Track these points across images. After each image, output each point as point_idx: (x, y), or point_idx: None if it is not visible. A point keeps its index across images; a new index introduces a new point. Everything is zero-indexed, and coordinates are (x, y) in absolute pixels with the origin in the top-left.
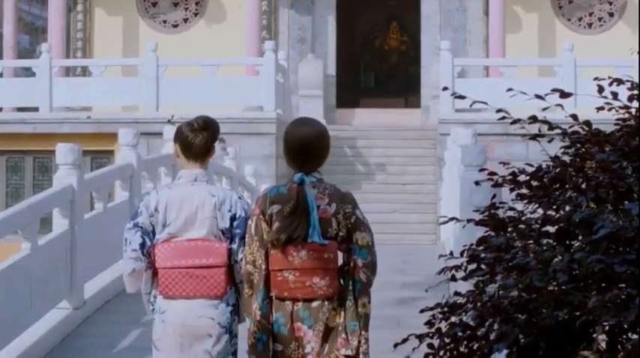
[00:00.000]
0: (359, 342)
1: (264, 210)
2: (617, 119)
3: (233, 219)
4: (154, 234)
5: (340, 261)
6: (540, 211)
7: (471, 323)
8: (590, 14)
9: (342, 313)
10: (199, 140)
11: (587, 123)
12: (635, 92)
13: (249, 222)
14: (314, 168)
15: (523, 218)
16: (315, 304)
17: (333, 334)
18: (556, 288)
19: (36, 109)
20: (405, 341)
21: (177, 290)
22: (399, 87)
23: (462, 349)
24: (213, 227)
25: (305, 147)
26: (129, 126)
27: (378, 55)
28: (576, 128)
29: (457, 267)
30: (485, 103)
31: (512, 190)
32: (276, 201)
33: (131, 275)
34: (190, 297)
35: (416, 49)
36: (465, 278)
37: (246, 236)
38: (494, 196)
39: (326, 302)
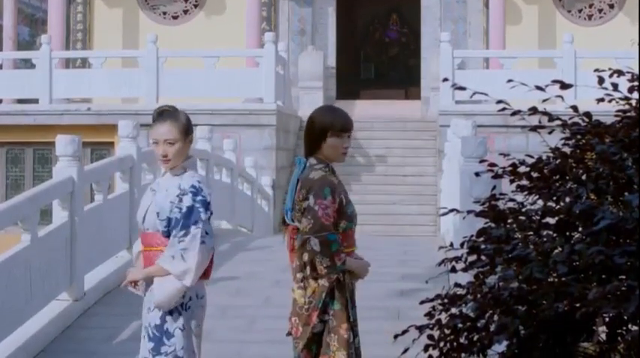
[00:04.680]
0: (291, 324)
1: None
2: (618, 110)
3: None
4: None
5: None
6: (540, 202)
7: (471, 314)
8: (591, 6)
9: None
10: None
11: (588, 114)
12: (636, 83)
13: None
14: (308, 152)
15: (523, 209)
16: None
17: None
18: (556, 280)
19: (36, 101)
20: (405, 332)
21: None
22: (399, 78)
23: (461, 340)
24: None
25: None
26: (129, 118)
27: (378, 47)
28: (576, 119)
29: (457, 259)
30: (486, 95)
31: (512, 182)
32: None
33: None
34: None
35: (416, 41)
36: (465, 270)
37: None
38: (494, 188)
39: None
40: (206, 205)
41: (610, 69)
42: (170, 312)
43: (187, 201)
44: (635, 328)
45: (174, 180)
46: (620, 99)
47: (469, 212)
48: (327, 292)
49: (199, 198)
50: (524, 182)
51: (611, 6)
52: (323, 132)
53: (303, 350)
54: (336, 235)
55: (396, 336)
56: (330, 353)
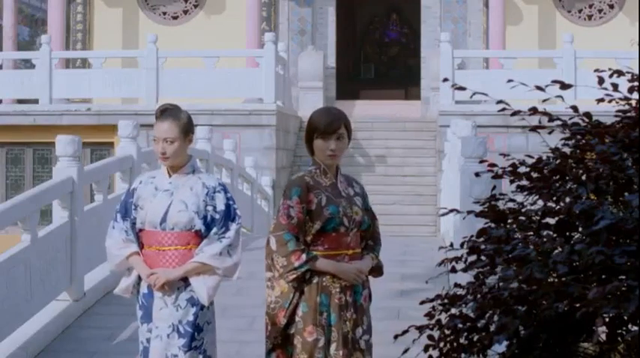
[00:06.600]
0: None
1: None
2: (618, 111)
3: None
4: None
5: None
6: (540, 203)
7: (471, 314)
8: (590, 6)
9: None
10: None
11: (588, 114)
12: (636, 84)
13: None
14: (309, 153)
15: (523, 209)
16: None
17: None
18: (556, 280)
19: (36, 101)
20: (405, 332)
21: None
22: (399, 78)
23: (461, 340)
24: None
25: None
26: (129, 118)
27: (378, 47)
28: (576, 119)
29: (457, 259)
30: (486, 95)
31: (512, 182)
32: None
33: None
34: None
35: (416, 41)
36: (465, 270)
37: None
38: (494, 188)
39: None
40: (234, 202)
41: (610, 69)
42: (202, 307)
43: (221, 198)
44: (635, 328)
45: (192, 178)
46: (620, 99)
47: (469, 212)
48: (295, 293)
49: (229, 195)
50: (524, 182)
51: (611, 6)
52: (311, 133)
53: (275, 350)
54: (292, 235)
55: (396, 336)
56: (295, 356)
